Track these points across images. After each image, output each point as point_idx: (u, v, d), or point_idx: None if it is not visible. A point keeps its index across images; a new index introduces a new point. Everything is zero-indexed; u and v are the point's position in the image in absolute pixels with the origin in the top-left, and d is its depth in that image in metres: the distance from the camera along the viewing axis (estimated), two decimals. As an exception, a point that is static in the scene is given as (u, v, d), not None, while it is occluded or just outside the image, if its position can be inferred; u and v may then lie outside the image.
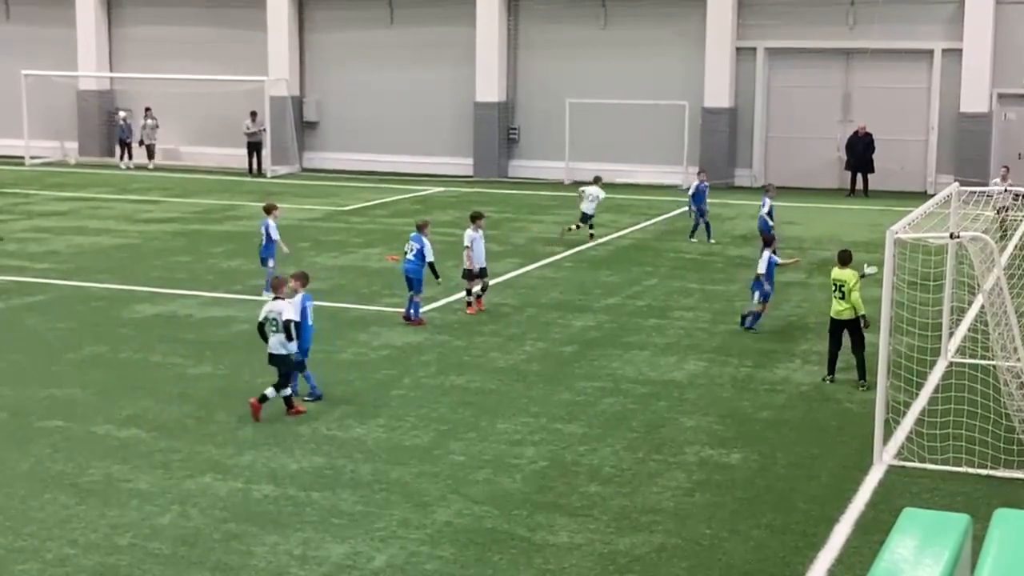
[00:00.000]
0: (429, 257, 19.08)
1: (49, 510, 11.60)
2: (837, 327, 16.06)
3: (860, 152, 36.85)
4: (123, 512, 11.53)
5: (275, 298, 14.86)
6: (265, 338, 14.72)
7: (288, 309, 14.52)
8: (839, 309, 15.94)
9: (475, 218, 20.31)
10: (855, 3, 37.20)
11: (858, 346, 15.90)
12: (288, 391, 14.62)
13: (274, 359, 14.66)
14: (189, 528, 11.17)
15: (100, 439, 13.70)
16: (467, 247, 20.04)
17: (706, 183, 28.06)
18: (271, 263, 20.89)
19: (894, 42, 36.81)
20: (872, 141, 36.81)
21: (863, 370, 15.76)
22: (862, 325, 15.82)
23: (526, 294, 21.41)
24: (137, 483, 12.30)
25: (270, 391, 14.46)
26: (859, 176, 37.12)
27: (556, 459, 13.14)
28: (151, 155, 42.98)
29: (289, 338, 14.45)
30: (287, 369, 14.61)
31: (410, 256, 19.15)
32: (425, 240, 19.18)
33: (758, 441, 13.86)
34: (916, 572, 6.80)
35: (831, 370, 16.24)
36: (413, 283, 19.18)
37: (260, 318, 14.85)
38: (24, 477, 12.50)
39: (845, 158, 37.42)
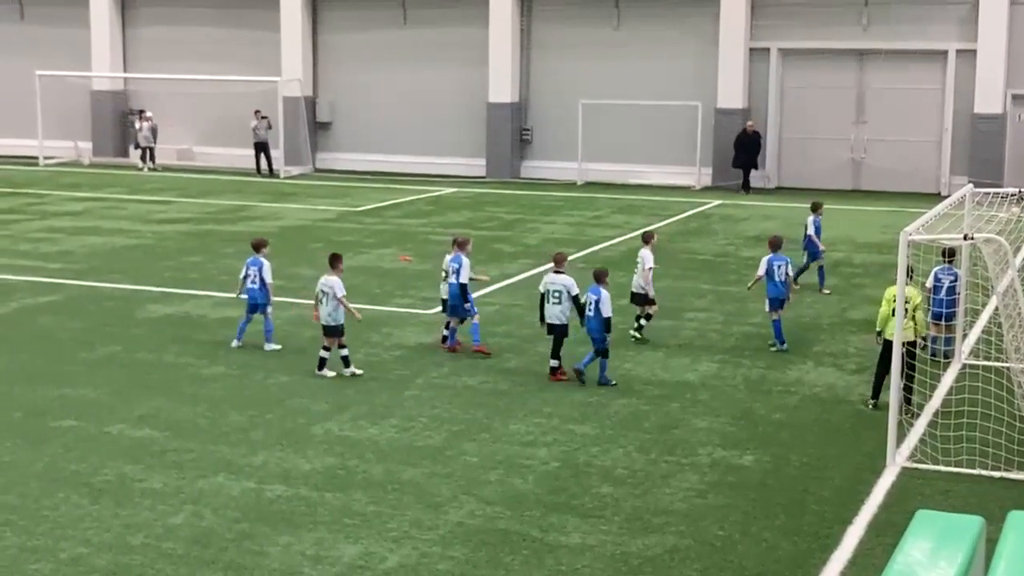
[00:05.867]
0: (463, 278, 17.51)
1: (63, 509, 11.64)
2: (891, 349, 14.05)
3: (749, 150, 37.34)
4: (136, 512, 11.56)
5: (555, 271, 16.34)
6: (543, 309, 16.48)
7: (574, 284, 16.24)
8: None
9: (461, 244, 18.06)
10: (869, 4, 37.12)
11: (910, 369, 14.26)
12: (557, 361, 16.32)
13: (551, 327, 16.27)
14: (202, 528, 11.19)
15: (113, 439, 13.74)
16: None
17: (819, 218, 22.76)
18: (270, 309, 17.89)
19: (908, 43, 36.72)
20: (760, 139, 37.43)
21: (911, 389, 14.55)
22: (920, 347, 14.38)
23: (538, 295, 21.37)
24: (150, 483, 12.33)
25: (554, 362, 16.24)
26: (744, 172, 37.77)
27: (568, 460, 13.14)
28: (147, 158, 42.60)
29: (580, 311, 16.16)
30: (563, 336, 16.27)
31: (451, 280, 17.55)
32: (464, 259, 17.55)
33: (771, 443, 13.85)
34: (929, 574, 6.80)
35: (876, 394, 15.00)
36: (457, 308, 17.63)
37: (541, 289, 16.47)
38: (38, 477, 12.54)
39: (858, 155, 37.47)
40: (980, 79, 35.98)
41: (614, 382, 16.05)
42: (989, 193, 17.57)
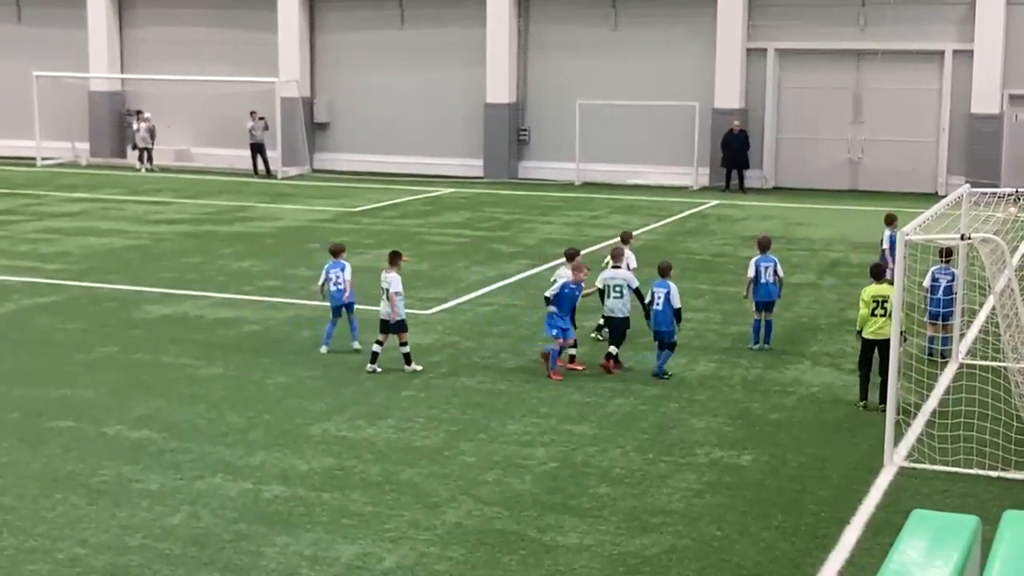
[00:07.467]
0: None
1: (60, 510, 11.64)
2: (872, 348, 14.86)
3: (737, 149, 37.46)
4: (134, 512, 11.56)
5: (613, 267, 16.96)
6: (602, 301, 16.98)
7: (633, 278, 16.88)
8: (877, 328, 14.70)
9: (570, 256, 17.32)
10: (866, 4, 37.14)
11: (885, 366, 14.50)
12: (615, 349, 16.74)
13: (611, 320, 16.74)
14: (199, 528, 11.20)
15: (111, 440, 13.75)
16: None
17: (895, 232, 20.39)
18: (354, 309, 17.72)
19: (905, 43, 36.74)
20: (747, 138, 37.52)
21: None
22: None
23: (536, 295, 21.34)
24: (148, 483, 12.33)
25: (613, 349, 16.64)
26: (735, 172, 37.81)
27: (566, 460, 13.15)
28: (145, 159, 42.54)
29: (643, 305, 16.65)
30: (623, 328, 16.74)
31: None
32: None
33: (768, 442, 13.86)
34: (925, 574, 6.82)
35: (864, 395, 15.09)
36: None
37: (600, 285, 16.88)
38: (35, 477, 12.54)
39: (853, 156, 37.50)
40: (977, 79, 36.00)
41: (669, 375, 16.36)
42: (986, 193, 17.59)
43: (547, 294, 16.65)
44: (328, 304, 17.68)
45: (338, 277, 17.42)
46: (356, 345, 17.50)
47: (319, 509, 11.69)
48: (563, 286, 16.52)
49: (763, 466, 13.09)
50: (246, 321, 19.51)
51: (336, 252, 17.81)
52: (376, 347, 16.50)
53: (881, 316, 14.72)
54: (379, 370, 16.42)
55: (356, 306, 17.66)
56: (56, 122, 43.98)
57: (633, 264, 18.12)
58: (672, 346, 16.50)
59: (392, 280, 16.37)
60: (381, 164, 42.06)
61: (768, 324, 18.08)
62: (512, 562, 10.59)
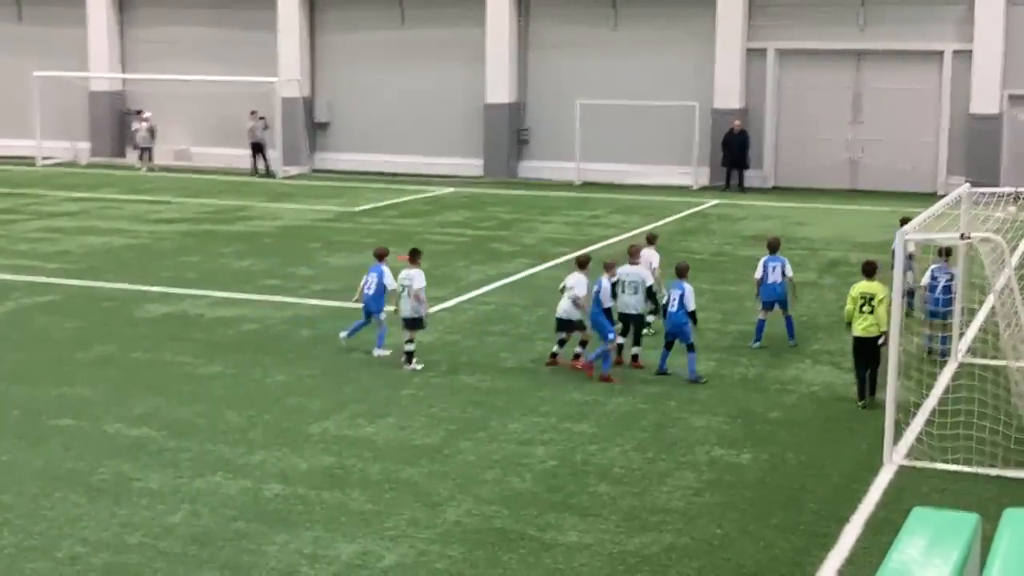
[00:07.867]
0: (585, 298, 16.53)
1: (60, 508, 11.64)
2: (864, 346, 14.97)
3: (737, 149, 37.48)
4: (133, 511, 11.56)
5: (631, 263, 16.91)
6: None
7: (649, 276, 17.03)
8: (867, 326, 14.85)
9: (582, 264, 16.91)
10: (865, 4, 37.14)
11: (875, 363, 14.97)
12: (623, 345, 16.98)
13: (625, 316, 16.80)
14: (199, 527, 11.20)
15: (111, 438, 13.75)
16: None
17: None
18: (383, 315, 17.37)
19: (904, 43, 36.73)
20: (747, 138, 37.52)
21: (875, 385, 15.03)
22: (880, 342, 14.68)
23: (536, 294, 21.42)
24: (147, 482, 12.33)
25: (636, 349, 16.94)
26: (735, 171, 37.79)
27: (566, 459, 13.15)
28: (145, 158, 42.51)
29: (656, 304, 17.20)
30: (639, 325, 17.02)
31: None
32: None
33: (768, 441, 13.86)
34: (925, 571, 6.82)
35: (863, 394, 15.16)
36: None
37: (613, 280, 16.70)
38: (35, 475, 12.54)
39: (855, 156, 37.53)
40: (976, 79, 36.00)
41: (704, 379, 16.28)
42: (985, 193, 17.58)
43: (606, 306, 16.29)
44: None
45: (371, 282, 17.17)
46: (377, 352, 17.25)
47: (319, 507, 11.70)
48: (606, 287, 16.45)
49: (763, 464, 13.10)
50: (246, 320, 19.51)
51: (379, 256, 17.50)
52: (408, 346, 16.61)
53: (868, 313, 14.84)
54: (419, 367, 16.54)
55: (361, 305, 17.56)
56: (56, 121, 43.96)
57: (655, 265, 18.15)
58: (691, 346, 16.38)
59: (415, 276, 16.52)
60: (381, 164, 42.03)
61: (788, 320, 18.16)
62: (512, 560, 10.59)
